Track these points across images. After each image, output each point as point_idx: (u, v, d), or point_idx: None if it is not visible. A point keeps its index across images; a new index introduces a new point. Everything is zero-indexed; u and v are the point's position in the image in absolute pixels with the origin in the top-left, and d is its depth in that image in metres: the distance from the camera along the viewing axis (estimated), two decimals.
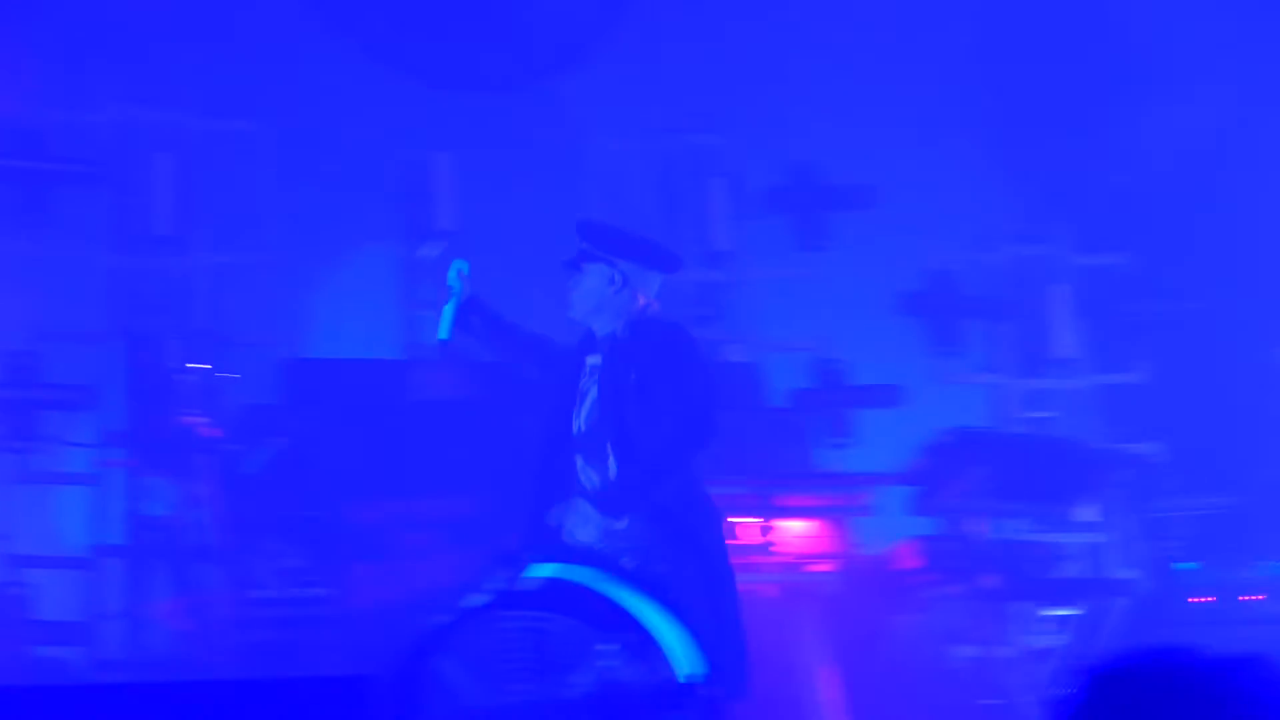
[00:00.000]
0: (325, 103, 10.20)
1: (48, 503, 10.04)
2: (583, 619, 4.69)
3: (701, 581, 5.53)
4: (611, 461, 5.82)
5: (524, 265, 10.31)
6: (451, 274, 6.48)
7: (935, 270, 9.73)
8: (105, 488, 9.30)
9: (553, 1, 10.49)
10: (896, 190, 9.57)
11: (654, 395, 5.92)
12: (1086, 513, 8.36)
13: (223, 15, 10.02)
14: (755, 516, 6.97)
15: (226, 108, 9.91)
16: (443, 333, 6.37)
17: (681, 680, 4.63)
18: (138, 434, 9.05)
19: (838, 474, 8.33)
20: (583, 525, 5.61)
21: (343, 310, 10.67)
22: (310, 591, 7.73)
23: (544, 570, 4.95)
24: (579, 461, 5.94)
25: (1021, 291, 9.97)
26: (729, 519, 6.57)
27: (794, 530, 7.04)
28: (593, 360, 6.21)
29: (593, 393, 6.09)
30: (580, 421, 6.09)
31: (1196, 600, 8.15)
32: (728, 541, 6.00)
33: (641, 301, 6.22)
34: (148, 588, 8.96)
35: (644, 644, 4.67)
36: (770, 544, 6.96)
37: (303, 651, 7.61)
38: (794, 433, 7.95)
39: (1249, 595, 8.15)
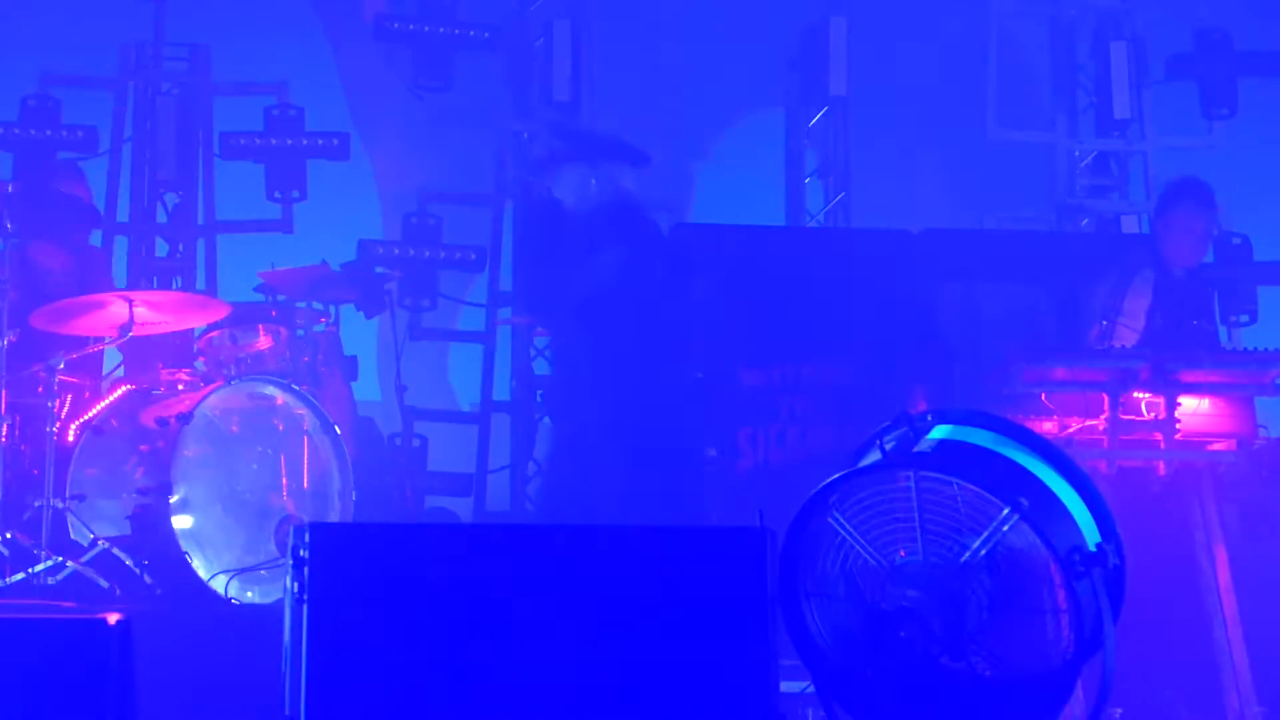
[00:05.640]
0: None
1: (440, 359, 10.37)
2: (982, 482, 4.59)
3: None
4: None
5: (917, 131, 10.18)
6: None
7: None
8: (496, 346, 9.55)
9: None
10: None
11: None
12: None
13: None
14: (1155, 392, 6.75)
15: None
16: None
17: (1090, 549, 4.51)
18: (529, 294, 9.23)
19: (1244, 351, 8.04)
20: None
21: (728, 177, 10.69)
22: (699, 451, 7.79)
23: (942, 432, 4.87)
24: None
25: None
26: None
27: (1194, 407, 6.81)
28: None
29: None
30: None
31: None
32: None
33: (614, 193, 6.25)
34: (536, 443, 9.17)
35: (1048, 509, 4.56)
36: (1168, 420, 6.74)
37: (692, 508, 7.69)
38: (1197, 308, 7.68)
39: None
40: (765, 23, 10.17)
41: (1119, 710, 6.47)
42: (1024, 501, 4.55)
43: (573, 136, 6.44)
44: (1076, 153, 9.78)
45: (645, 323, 6.35)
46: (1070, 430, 6.72)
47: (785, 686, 5.07)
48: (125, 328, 6.89)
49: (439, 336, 9.84)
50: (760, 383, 7.98)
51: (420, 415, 9.20)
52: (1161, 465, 6.80)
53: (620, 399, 6.35)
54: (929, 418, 4.98)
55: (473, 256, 9.42)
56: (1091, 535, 4.59)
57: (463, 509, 9.15)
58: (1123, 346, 7.12)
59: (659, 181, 10.14)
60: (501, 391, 9.55)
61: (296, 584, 4.57)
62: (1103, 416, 6.72)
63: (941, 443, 4.84)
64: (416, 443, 8.96)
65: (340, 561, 4.57)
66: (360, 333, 9.17)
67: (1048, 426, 6.72)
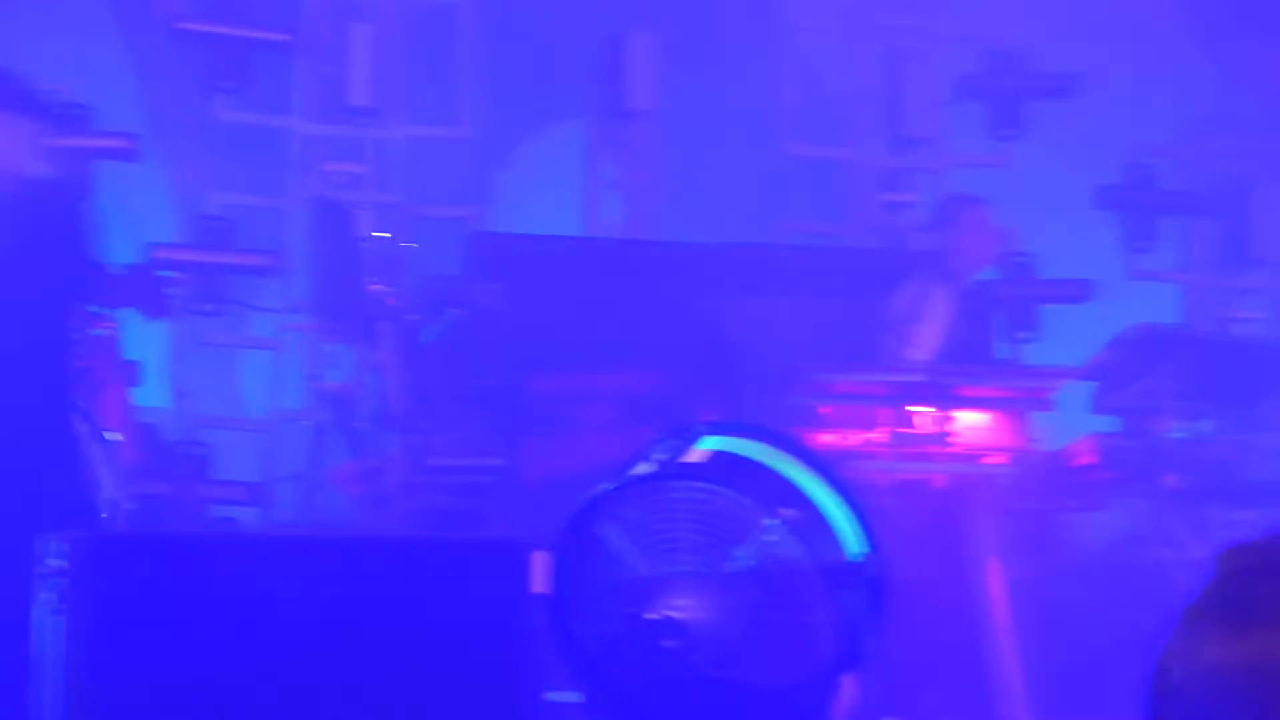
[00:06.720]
0: None
1: (231, 366, 10.23)
2: (749, 493, 4.63)
3: None
4: None
5: (713, 146, 10.25)
6: None
7: (1134, 163, 9.49)
8: (287, 353, 9.44)
9: None
10: (1097, 79, 9.31)
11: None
12: (1277, 415, 8.13)
13: None
14: (932, 405, 6.86)
15: None
16: None
17: (849, 559, 4.57)
18: (321, 301, 9.14)
19: (1021, 366, 8.20)
20: None
21: (530, 186, 10.69)
22: (486, 460, 7.77)
23: (713, 443, 4.90)
24: None
25: (1223, 187, 9.71)
26: None
27: (971, 421, 6.93)
28: None
29: None
30: None
31: None
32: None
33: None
34: (324, 452, 9.08)
35: (813, 521, 4.61)
36: (945, 434, 6.85)
37: (475, 519, 7.67)
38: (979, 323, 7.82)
39: None
40: (569, 34, 10.17)
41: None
42: (789, 513, 4.59)
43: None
44: (870, 169, 9.90)
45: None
46: (850, 442, 6.80)
47: (556, 697, 5.06)
48: None
49: (227, 343, 9.70)
50: (549, 392, 7.97)
51: (207, 422, 9.07)
52: (938, 477, 6.91)
53: None
54: (700, 429, 5.01)
55: (264, 262, 9.30)
56: (854, 546, 4.65)
57: (250, 518, 9.02)
58: (903, 360, 7.22)
59: (461, 190, 10.13)
60: (292, 400, 9.44)
61: (53, 595, 4.47)
62: (882, 429, 6.81)
63: (712, 454, 4.88)
64: (200, 450, 8.81)
65: (99, 572, 4.47)
66: (151, 339, 9.01)
67: (829, 438, 6.79)
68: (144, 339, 8.66)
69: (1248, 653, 1.33)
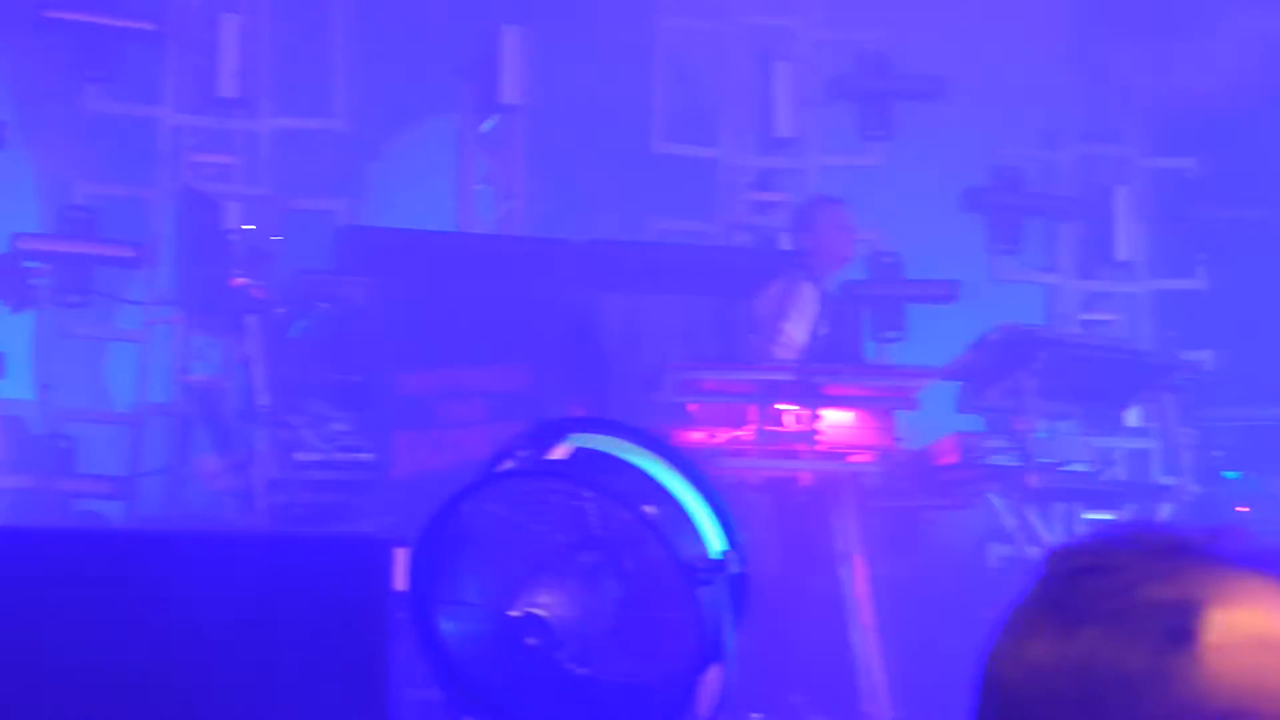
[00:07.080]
0: None
1: (96, 358, 10.11)
2: (613, 490, 4.64)
3: None
4: None
5: (585, 143, 10.25)
6: None
7: (1000, 166, 9.62)
8: (153, 346, 9.34)
9: None
10: (965, 82, 9.41)
11: None
12: (1135, 417, 8.29)
13: None
14: (799, 404, 6.91)
15: None
16: None
17: (711, 556, 4.60)
18: (188, 294, 9.06)
19: (886, 365, 8.29)
20: None
21: (400, 180, 10.64)
22: (354, 456, 7.73)
23: (577, 440, 4.90)
24: None
25: (1086, 191, 9.87)
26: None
27: (838, 420, 6.99)
28: None
29: None
30: None
31: (1244, 509, 8.06)
32: None
33: None
34: (191, 446, 9.00)
35: (675, 518, 4.63)
36: (813, 432, 6.90)
37: (343, 515, 7.63)
38: (846, 323, 7.88)
39: None
40: (442, 27, 10.13)
41: (760, 715, 6.60)
42: (651, 510, 4.61)
43: None
44: (739, 169, 9.96)
45: None
46: (718, 439, 6.83)
47: (418, 694, 5.05)
48: None
49: (92, 335, 9.58)
50: (419, 388, 7.95)
51: (72, 415, 8.96)
52: (805, 475, 6.96)
53: None
54: (566, 425, 5.02)
55: (131, 253, 9.20)
56: (715, 543, 4.67)
57: (115, 512, 8.92)
58: (770, 359, 7.27)
59: (331, 182, 10.07)
60: (159, 393, 9.34)
61: None
62: (749, 427, 6.85)
63: (575, 451, 4.89)
64: (65, 443, 8.71)
65: None
66: (15, 330, 8.89)
67: (696, 436, 6.82)
68: (8, 330, 8.55)
69: (1071, 653, 1.36)
